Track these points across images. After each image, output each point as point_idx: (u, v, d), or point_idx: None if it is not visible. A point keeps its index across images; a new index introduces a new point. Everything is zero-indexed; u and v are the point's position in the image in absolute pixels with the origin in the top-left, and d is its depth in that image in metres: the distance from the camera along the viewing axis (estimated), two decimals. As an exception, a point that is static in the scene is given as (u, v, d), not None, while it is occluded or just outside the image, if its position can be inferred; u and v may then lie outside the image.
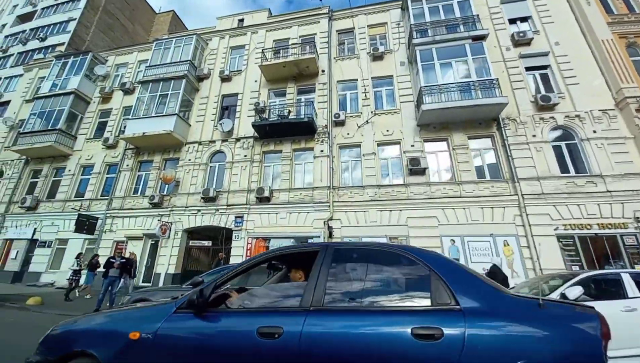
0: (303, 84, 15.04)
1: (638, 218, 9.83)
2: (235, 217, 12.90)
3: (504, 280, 6.74)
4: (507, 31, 13.60)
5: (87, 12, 25.02)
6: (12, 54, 25.60)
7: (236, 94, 15.73)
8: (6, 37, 27.71)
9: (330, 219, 11.97)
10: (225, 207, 13.16)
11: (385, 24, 15.28)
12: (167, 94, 15.28)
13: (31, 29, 26.33)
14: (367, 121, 13.26)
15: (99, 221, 14.00)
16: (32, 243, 15.11)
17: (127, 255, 10.71)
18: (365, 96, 13.80)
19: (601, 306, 4.27)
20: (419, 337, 1.82)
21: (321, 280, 2.25)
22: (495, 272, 7.08)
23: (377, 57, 14.43)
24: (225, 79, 16.17)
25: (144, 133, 14.29)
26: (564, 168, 11.06)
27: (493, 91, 11.42)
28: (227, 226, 12.91)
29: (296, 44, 15.65)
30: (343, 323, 2.03)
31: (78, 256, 11.06)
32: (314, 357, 1.94)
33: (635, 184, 10.20)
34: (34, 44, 24.78)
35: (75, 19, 24.32)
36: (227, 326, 2.23)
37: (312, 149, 13.51)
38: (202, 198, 13.41)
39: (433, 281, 2.07)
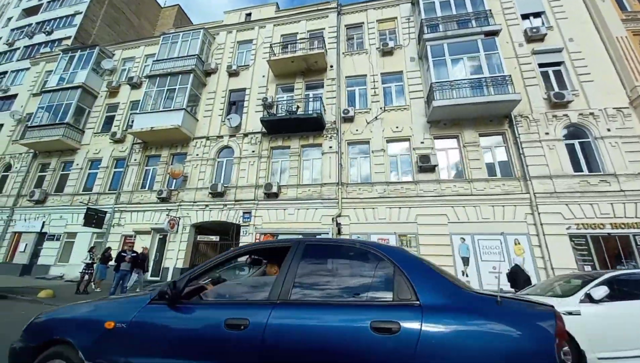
0: (311, 79, 14.92)
1: (652, 218, 9.70)
2: (244, 213, 12.89)
3: (526, 280, 6.66)
4: (520, 27, 13.37)
5: (93, 5, 24.90)
6: (19, 48, 25.55)
7: (244, 89, 15.64)
8: (12, 30, 27.65)
9: (339, 215, 11.92)
10: (234, 202, 13.14)
11: (395, 18, 15.07)
12: (175, 89, 15.22)
13: (37, 23, 26.24)
14: (376, 117, 13.14)
15: (107, 215, 14.03)
16: (41, 236, 15.20)
17: (139, 250, 10.71)
18: (375, 91, 13.67)
19: (627, 307, 4.26)
20: (377, 330, 1.90)
21: (290, 275, 2.32)
22: (517, 272, 7.01)
23: (386, 52, 14.26)
24: (232, 73, 16.07)
25: (152, 128, 14.25)
26: (577, 167, 10.91)
27: (506, 87, 11.25)
28: (235, 222, 12.90)
29: (304, 38, 15.50)
30: (307, 316, 2.11)
31: (91, 250, 11.11)
32: (277, 348, 2.03)
33: (650, 184, 10.05)
34: (40, 37, 24.72)
35: (81, 13, 24.21)
36: (198, 317, 2.33)
37: (320, 145, 13.42)
38: (210, 193, 13.40)
39: (396, 277, 2.15)
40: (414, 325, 1.87)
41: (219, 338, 2.16)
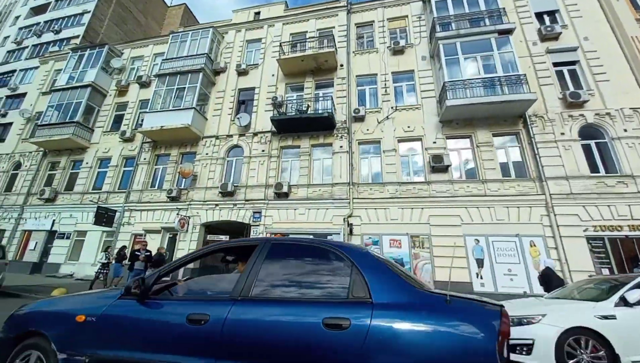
0: (321, 78, 14.82)
1: (672, 220, 9.52)
2: (254, 212, 12.83)
3: (559, 283, 6.52)
4: (534, 25, 13.19)
5: (101, 4, 24.95)
6: (27, 47, 25.67)
7: (253, 88, 15.58)
8: (20, 29, 27.80)
9: (350, 216, 11.82)
10: (244, 202, 13.10)
11: (406, 17, 14.93)
12: (184, 88, 15.19)
13: (45, 22, 26.35)
14: (387, 116, 13.02)
15: (117, 214, 14.04)
16: (51, 235, 15.25)
17: (154, 249, 10.69)
18: (386, 91, 13.56)
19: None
20: (328, 326, 1.99)
21: (253, 272, 2.44)
22: (549, 275, 6.87)
23: (397, 51, 14.12)
24: (241, 72, 16.01)
25: (161, 127, 14.24)
26: (593, 168, 10.73)
27: (521, 87, 11.10)
28: (245, 222, 12.85)
29: (314, 37, 15.40)
30: (264, 312, 2.22)
31: (106, 249, 11.12)
32: (234, 342, 2.14)
33: (670, 185, 9.87)
34: (48, 36, 24.82)
35: (89, 12, 24.27)
36: (163, 312, 2.44)
37: (330, 144, 13.33)
38: (220, 192, 13.36)
39: (353, 276, 2.24)
40: (363, 322, 1.97)
41: (181, 332, 2.26)
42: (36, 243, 15.20)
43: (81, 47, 19.10)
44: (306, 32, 16.10)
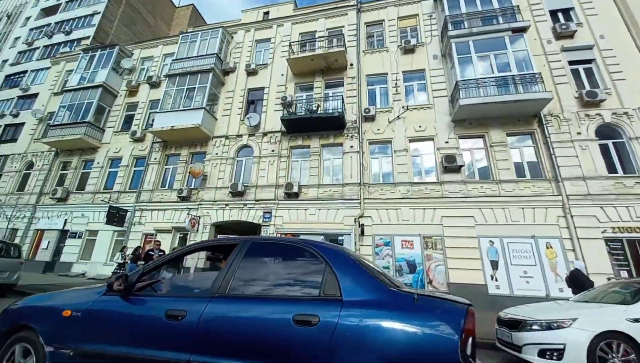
0: (331, 78, 14.75)
1: (694, 222, 9.27)
2: (264, 212, 12.81)
3: (588, 284, 6.38)
4: (548, 23, 12.96)
5: (110, 5, 25.16)
6: (38, 47, 25.97)
7: (262, 88, 15.56)
8: (31, 30, 28.15)
9: (361, 216, 11.73)
10: (254, 202, 13.08)
11: (417, 15, 14.78)
12: (194, 88, 15.23)
13: (56, 22, 26.65)
14: (398, 116, 12.90)
15: (128, 214, 14.12)
16: (63, 234, 15.39)
17: (169, 249, 10.72)
18: (396, 90, 13.43)
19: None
20: (298, 322, 2.05)
21: (231, 270, 2.51)
22: (577, 276, 6.72)
23: (408, 50, 13.99)
24: (251, 72, 16.00)
25: (172, 127, 14.29)
26: (611, 168, 10.51)
27: (536, 85, 10.91)
28: (255, 222, 12.83)
29: (323, 37, 15.32)
30: (238, 309, 2.30)
31: (122, 250, 11.19)
32: (208, 338, 2.21)
33: (692, 186, 9.61)
34: (59, 37, 25.09)
35: (99, 13, 24.49)
36: (144, 308, 2.52)
37: (341, 144, 13.25)
38: (230, 192, 13.36)
39: (326, 274, 2.29)
40: (332, 319, 2.02)
41: (159, 327, 2.36)
42: (48, 242, 15.36)
43: (92, 47, 19.27)
44: (315, 31, 16.04)
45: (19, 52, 26.70)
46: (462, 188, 11.19)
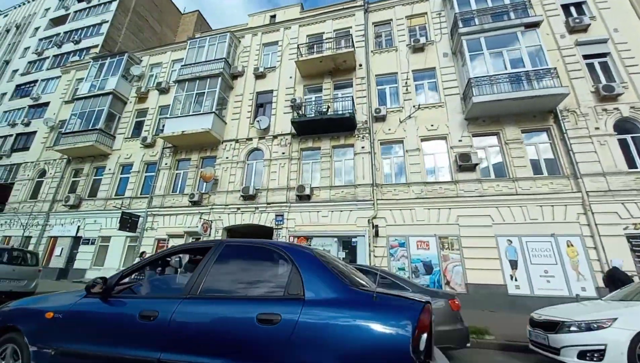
0: (339, 79, 14.69)
1: None
2: (276, 215, 12.74)
3: (627, 281, 6.18)
4: (561, 18, 12.76)
5: (118, 14, 25.48)
6: (48, 57, 26.39)
7: (271, 91, 15.56)
8: (40, 40, 28.62)
9: (374, 217, 11.60)
10: (265, 205, 13.02)
11: (425, 14, 14.67)
12: (204, 93, 15.29)
13: (65, 32, 27.06)
14: (409, 115, 12.77)
15: (140, 219, 14.16)
16: (76, 240, 15.50)
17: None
18: (407, 89, 13.31)
19: None
20: (261, 321, 2.16)
21: (203, 272, 2.61)
22: (614, 275, 6.52)
23: (417, 49, 13.88)
24: (259, 76, 16.02)
25: (183, 132, 14.34)
26: (631, 163, 10.24)
27: (551, 81, 10.71)
28: (267, 225, 12.76)
29: (331, 38, 15.29)
30: (207, 309, 2.41)
31: (141, 255, 11.20)
32: (178, 337, 2.32)
33: None
34: (68, 46, 25.46)
35: (107, 21, 24.80)
36: (120, 309, 2.65)
37: (352, 145, 13.16)
38: (241, 196, 13.33)
39: (292, 275, 2.38)
40: (292, 317, 2.11)
41: (133, 327, 2.47)
42: (62, 249, 15.46)
43: (102, 56, 19.49)
44: (323, 33, 16.02)
45: (29, 62, 27.16)
46: (477, 186, 11.01)
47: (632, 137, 10.68)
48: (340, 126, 13.08)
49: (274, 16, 17.81)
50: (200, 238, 13.20)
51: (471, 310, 7.71)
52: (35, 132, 20.72)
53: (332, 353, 1.96)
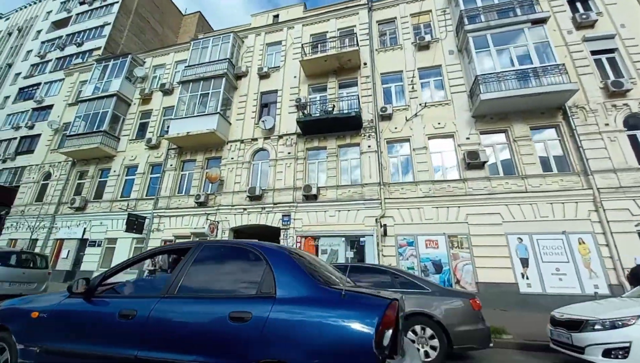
0: (344, 78, 14.62)
1: None
2: (283, 215, 12.69)
3: None
4: (567, 13, 12.67)
5: (120, 16, 25.48)
6: (51, 60, 26.46)
7: (275, 91, 15.50)
8: (43, 43, 28.67)
9: (382, 216, 11.53)
10: (272, 205, 12.97)
11: (430, 11, 14.59)
12: (208, 93, 15.24)
13: (67, 35, 27.10)
14: (416, 113, 12.70)
15: (147, 221, 14.13)
16: (82, 243, 15.48)
17: None
18: (412, 87, 13.23)
19: None
20: (233, 319, 2.24)
21: (181, 272, 2.71)
22: (639, 273, 6.46)
23: (422, 46, 13.80)
24: (263, 76, 15.97)
25: (188, 133, 14.30)
26: (642, 159, 10.14)
27: (560, 77, 10.62)
28: (274, 225, 12.71)
29: (335, 37, 15.22)
30: (183, 308, 2.50)
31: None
32: (155, 334, 2.42)
33: None
34: (71, 49, 25.50)
35: (110, 24, 24.81)
36: (102, 309, 2.75)
37: (358, 144, 13.09)
38: (248, 196, 13.28)
39: (266, 274, 2.47)
40: (263, 315, 2.19)
41: (113, 326, 2.58)
42: (68, 251, 15.44)
43: (105, 58, 19.47)
44: (326, 32, 15.96)
45: (32, 65, 27.22)
46: (486, 184, 10.93)
47: (641, 133, 10.58)
48: (346, 125, 13.02)
49: (276, 16, 17.76)
50: (207, 239, 13.18)
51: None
52: (39, 135, 20.74)
53: (301, 349, 2.04)
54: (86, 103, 17.75)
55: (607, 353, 3.94)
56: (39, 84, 25.08)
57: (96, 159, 17.02)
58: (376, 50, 14.63)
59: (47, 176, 18.31)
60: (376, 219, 11.52)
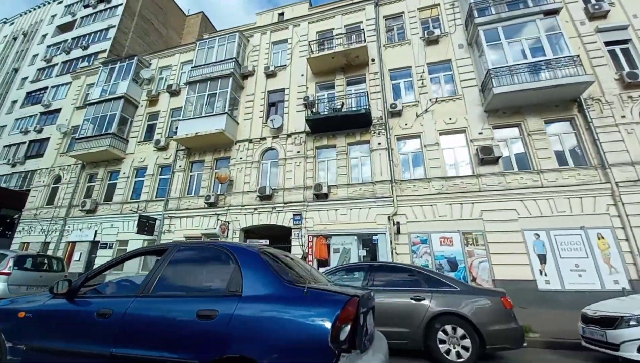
0: (352, 75, 14.49)
1: None
2: (294, 215, 12.62)
3: None
4: (579, 4, 12.41)
5: (125, 18, 25.53)
6: (57, 64, 26.63)
7: (282, 90, 15.42)
8: (48, 47, 28.87)
9: (395, 214, 11.42)
10: (283, 205, 12.91)
11: (438, 5, 14.38)
12: (215, 93, 15.20)
13: (73, 38, 27.24)
14: (426, 109, 12.55)
15: (157, 222, 14.15)
16: (94, 245, 15.55)
17: None
18: (422, 83, 13.07)
19: None
20: (200, 317, 2.36)
21: (157, 273, 2.83)
22: None
23: (431, 41, 13.61)
24: (270, 75, 15.88)
25: (196, 133, 14.27)
26: (661, 151, 9.92)
27: (575, 69, 10.40)
28: (285, 225, 12.65)
29: (341, 34, 15.09)
30: (155, 307, 2.61)
31: None
32: (129, 331, 2.56)
33: None
34: (77, 52, 25.62)
35: (114, 26, 24.88)
36: (82, 308, 2.89)
37: (367, 142, 12.98)
38: (258, 196, 13.23)
39: (235, 273, 2.58)
40: (228, 312, 2.30)
41: (91, 324, 2.73)
42: (80, 254, 15.52)
43: (111, 60, 19.50)
44: (333, 29, 15.83)
45: (38, 69, 27.42)
46: (500, 180, 10.77)
47: (660, 124, 10.34)
48: (355, 123, 12.91)
49: (282, 14, 17.65)
50: (218, 239, 13.16)
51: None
52: (48, 138, 20.87)
53: (263, 344, 2.14)
54: (94, 106, 17.79)
55: (641, 350, 3.83)
56: (46, 88, 25.25)
57: (105, 162, 17.07)
58: (384, 46, 14.47)
59: (57, 179, 18.42)
60: (388, 217, 11.42)
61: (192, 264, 3.02)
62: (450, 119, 12.18)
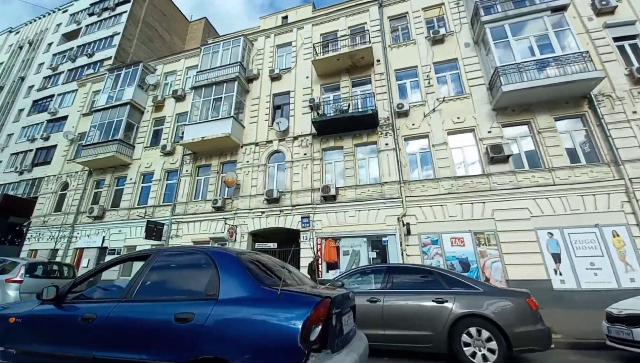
0: (357, 76, 14.45)
1: None
2: (302, 217, 12.56)
3: None
4: (586, 0, 12.30)
5: (129, 25, 25.75)
6: (62, 71, 26.86)
7: (288, 92, 15.42)
8: (54, 55, 29.15)
9: (404, 215, 11.32)
10: (290, 208, 12.86)
11: (442, 4, 14.32)
12: (221, 98, 15.24)
13: (78, 46, 27.50)
14: (433, 109, 12.47)
15: (165, 227, 14.14)
16: (102, 251, 15.57)
17: None
18: (429, 82, 13.00)
19: None
20: (177, 320, 2.42)
21: (140, 278, 2.91)
22: None
23: (437, 40, 13.56)
24: (275, 78, 15.90)
25: (203, 138, 14.28)
26: (675, 146, 9.76)
27: (585, 65, 10.29)
28: (293, 228, 12.59)
29: (346, 35, 15.08)
30: (136, 311, 2.68)
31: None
32: (111, 335, 2.64)
33: None
34: (82, 60, 25.85)
35: (119, 33, 25.09)
36: (68, 313, 2.97)
37: (375, 143, 12.91)
38: (265, 199, 13.19)
39: (212, 277, 2.63)
40: (204, 315, 2.36)
41: (75, 329, 2.81)
42: (89, 260, 15.54)
43: (117, 67, 19.63)
44: (337, 31, 15.82)
45: (44, 77, 27.68)
46: (511, 178, 10.64)
47: (673, 119, 10.19)
48: (361, 124, 12.86)
49: (285, 17, 17.69)
50: (226, 244, 13.13)
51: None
52: (55, 146, 21.02)
53: (236, 345, 2.21)
54: (100, 112, 17.90)
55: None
56: (53, 95, 25.47)
57: (112, 168, 17.14)
58: (389, 46, 14.43)
59: (65, 186, 18.51)
60: (398, 218, 11.32)
61: (174, 269, 3.11)
62: (458, 118, 12.09)
